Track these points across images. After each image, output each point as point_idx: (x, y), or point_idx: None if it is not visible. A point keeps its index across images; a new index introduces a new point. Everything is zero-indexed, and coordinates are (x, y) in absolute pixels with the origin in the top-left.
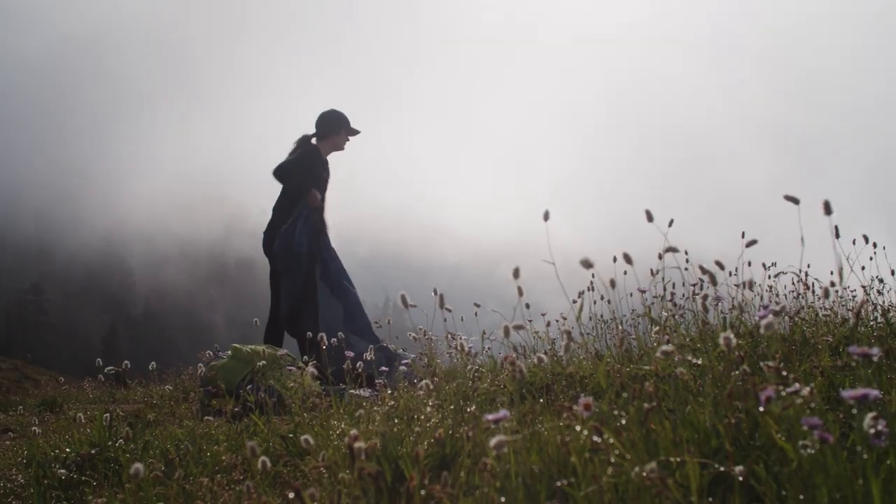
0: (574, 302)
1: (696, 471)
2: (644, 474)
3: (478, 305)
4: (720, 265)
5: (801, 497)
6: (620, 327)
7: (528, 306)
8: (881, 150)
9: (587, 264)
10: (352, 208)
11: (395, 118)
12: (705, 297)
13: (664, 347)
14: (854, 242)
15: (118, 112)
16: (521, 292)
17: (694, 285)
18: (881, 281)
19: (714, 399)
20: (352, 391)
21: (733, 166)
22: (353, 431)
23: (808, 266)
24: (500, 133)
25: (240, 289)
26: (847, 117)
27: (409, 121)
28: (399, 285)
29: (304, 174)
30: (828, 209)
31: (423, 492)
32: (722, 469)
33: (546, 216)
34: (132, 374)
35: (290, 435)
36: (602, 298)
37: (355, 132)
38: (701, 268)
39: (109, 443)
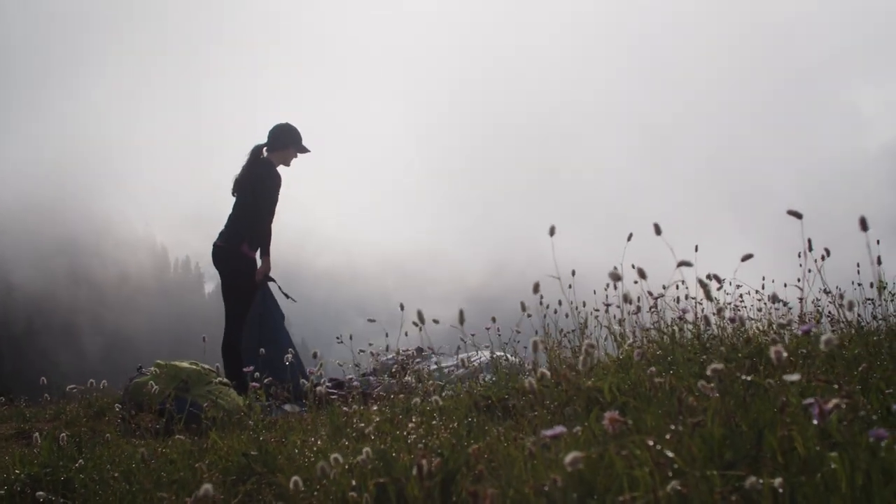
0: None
1: (767, 484)
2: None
3: (372, 320)
4: (717, 278)
5: None
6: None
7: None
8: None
9: (615, 276)
10: (219, 214)
11: (242, 114)
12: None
13: (714, 366)
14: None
15: None
16: (523, 307)
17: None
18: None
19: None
20: (286, 407)
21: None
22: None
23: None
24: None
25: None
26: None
27: (252, 118)
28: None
29: (264, 192)
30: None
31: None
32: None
33: (552, 231)
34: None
35: (254, 452)
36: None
37: (304, 150)
38: (700, 281)
39: (60, 463)
